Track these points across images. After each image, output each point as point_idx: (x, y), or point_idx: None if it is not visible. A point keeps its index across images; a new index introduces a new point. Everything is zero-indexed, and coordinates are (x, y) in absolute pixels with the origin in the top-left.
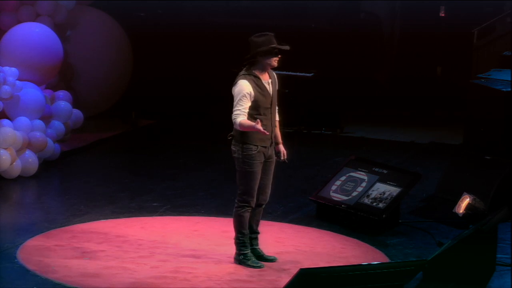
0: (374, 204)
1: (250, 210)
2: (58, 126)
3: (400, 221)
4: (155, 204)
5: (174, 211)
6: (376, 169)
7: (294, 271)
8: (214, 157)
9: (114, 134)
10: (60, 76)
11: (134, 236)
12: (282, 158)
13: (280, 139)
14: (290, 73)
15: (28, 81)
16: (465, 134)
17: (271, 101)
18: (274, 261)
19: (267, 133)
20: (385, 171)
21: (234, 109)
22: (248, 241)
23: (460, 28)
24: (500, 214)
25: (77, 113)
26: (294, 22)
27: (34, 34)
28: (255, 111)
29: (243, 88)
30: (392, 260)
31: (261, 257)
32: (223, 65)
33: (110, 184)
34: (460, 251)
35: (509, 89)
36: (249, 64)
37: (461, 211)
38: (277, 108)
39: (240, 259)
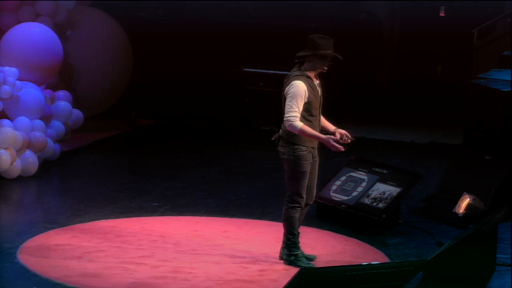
0: (374, 204)
1: (300, 210)
2: (58, 126)
3: (400, 221)
4: (155, 204)
5: (174, 211)
6: (376, 169)
7: (294, 271)
8: (214, 157)
9: (114, 134)
10: (60, 76)
11: (134, 236)
12: (347, 137)
13: (333, 126)
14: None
15: (28, 81)
16: (465, 134)
17: (320, 103)
18: (314, 260)
19: (337, 148)
20: (385, 171)
21: (290, 110)
22: (299, 242)
23: (460, 28)
24: (500, 214)
25: (77, 113)
26: (294, 22)
27: (34, 34)
28: (307, 112)
29: (300, 89)
30: (392, 260)
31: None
32: (223, 65)
33: (110, 184)
34: (460, 251)
35: (509, 89)
36: (300, 62)
37: (461, 211)
38: None
39: (291, 260)
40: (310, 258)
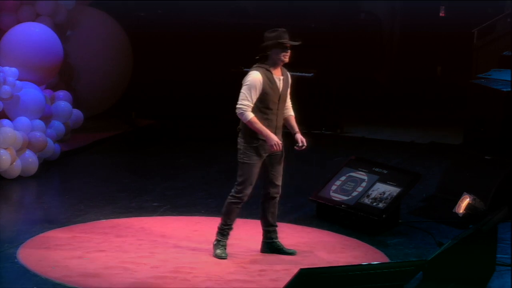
0: (374, 204)
1: (240, 205)
2: (58, 126)
3: (400, 221)
4: (155, 204)
5: (174, 211)
6: (376, 169)
7: (294, 271)
8: (214, 157)
9: (114, 134)
10: (60, 76)
11: (134, 236)
12: (300, 144)
13: (297, 129)
14: (289, 73)
15: (28, 81)
16: (465, 134)
17: (279, 97)
18: (293, 255)
19: (277, 149)
20: (385, 171)
21: (243, 98)
22: (228, 233)
23: (460, 28)
24: (500, 214)
25: (77, 113)
26: (294, 22)
27: (34, 34)
28: (262, 104)
29: (254, 78)
30: (392, 260)
31: (280, 251)
32: (223, 65)
33: (110, 184)
34: (460, 251)
35: (509, 89)
36: (262, 58)
37: (461, 211)
38: (290, 104)
39: (214, 244)
40: (289, 253)
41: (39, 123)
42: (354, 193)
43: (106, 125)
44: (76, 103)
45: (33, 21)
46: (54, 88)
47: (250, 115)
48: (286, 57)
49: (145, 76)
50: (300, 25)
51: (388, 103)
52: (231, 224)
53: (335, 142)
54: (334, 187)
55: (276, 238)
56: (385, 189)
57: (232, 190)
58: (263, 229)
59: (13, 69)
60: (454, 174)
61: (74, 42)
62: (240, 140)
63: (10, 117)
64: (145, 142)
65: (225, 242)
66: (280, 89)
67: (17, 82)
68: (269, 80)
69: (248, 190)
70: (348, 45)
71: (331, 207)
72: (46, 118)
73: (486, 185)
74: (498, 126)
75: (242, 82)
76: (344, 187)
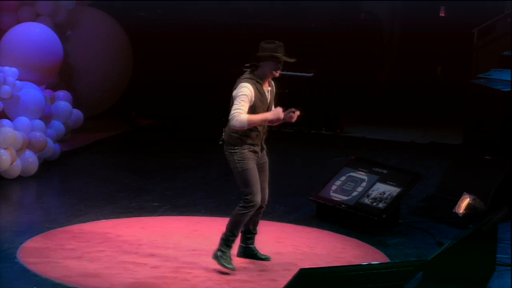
0: (374, 204)
1: (253, 211)
2: (58, 126)
3: (400, 221)
4: (155, 204)
5: (174, 211)
6: (376, 169)
7: (294, 271)
8: (214, 157)
9: (114, 134)
10: (60, 76)
11: (134, 236)
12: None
13: None
14: (290, 73)
15: (28, 81)
16: (465, 134)
17: (268, 109)
18: (267, 260)
19: (284, 116)
20: (385, 171)
21: (234, 108)
22: (233, 244)
23: (460, 28)
24: (500, 214)
25: (77, 113)
26: (294, 22)
27: (34, 34)
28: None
29: (245, 89)
30: (392, 260)
31: (254, 256)
32: (223, 65)
33: (110, 184)
34: (460, 251)
35: (509, 89)
36: (252, 67)
37: (461, 211)
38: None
39: (217, 255)
40: (264, 258)
41: (39, 123)
42: (354, 193)
43: (106, 125)
44: (76, 103)
45: (33, 21)
46: (54, 88)
47: (246, 115)
48: (277, 73)
49: (145, 76)
50: (300, 25)
51: (388, 103)
52: (237, 235)
53: (335, 142)
54: (334, 187)
55: (252, 243)
56: (385, 189)
57: (241, 202)
58: (241, 233)
59: (13, 69)
60: (454, 174)
61: (74, 42)
62: (229, 150)
63: (10, 117)
64: (145, 142)
65: (230, 253)
66: (268, 100)
67: (17, 82)
68: (259, 93)
69: (258, 197)
70: (348, 45)
71: (331, 207)
72: (46, 118)
73: (486, 185)
74: (498, 126)
75: (234, 94)
76: (344, 187)
